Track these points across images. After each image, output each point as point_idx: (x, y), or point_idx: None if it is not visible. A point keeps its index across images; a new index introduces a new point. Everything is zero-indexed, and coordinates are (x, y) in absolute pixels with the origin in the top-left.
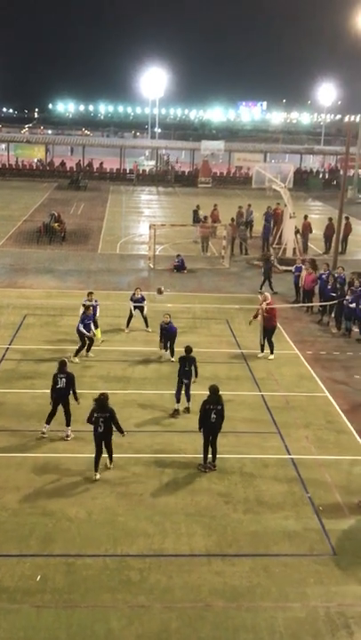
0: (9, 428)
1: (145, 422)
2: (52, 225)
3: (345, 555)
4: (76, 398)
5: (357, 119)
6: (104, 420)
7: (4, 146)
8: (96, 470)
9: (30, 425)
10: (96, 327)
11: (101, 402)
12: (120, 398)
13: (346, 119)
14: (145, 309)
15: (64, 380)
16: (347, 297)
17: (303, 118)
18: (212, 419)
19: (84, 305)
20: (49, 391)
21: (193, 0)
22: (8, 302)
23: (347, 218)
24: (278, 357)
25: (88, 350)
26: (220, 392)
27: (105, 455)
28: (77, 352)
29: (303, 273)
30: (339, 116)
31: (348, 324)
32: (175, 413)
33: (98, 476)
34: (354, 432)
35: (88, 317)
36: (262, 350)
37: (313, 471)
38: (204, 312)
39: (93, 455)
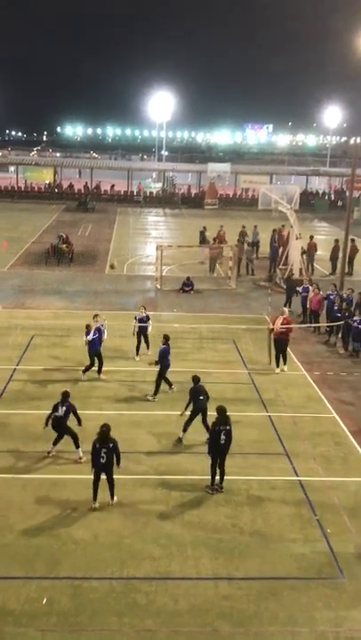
0: (15, 449)
1: (151, 443)
2: (60, 246)
3: (354, 578)
4: (79, 422)
5: None
6: (107, 451)
7: (13, 168)
8: (95, 500)
9: (36, 446)
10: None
11: (104, 433)
12: (126, 419)
13: (351, 141)
14: (149, 329)
15: (64, 409)
16: (355, 317)
17: (309, 140)
18: (221, 440)
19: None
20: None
21: (199, 25)
22: (16, 323)
23: (352, 240)
24: (286, 378)
25: (86, 371)
26: (228, 413)
27: (104, 489)
28: (85, 369)
29: (310, 293)
30: (344, 138)
31: (356, 345)
32: (178, 442)
33: (97, 505)
34: None
35: (87, 333)
36: (278, 365)
37: (321, 493)
38: (211, 332)
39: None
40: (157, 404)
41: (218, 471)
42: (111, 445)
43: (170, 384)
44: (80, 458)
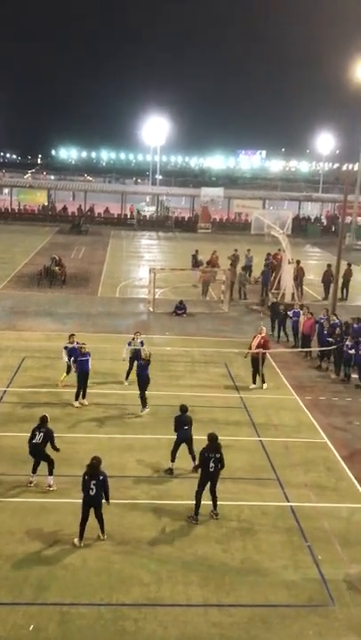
0: (4, 473)
1: (142, 467)
2: (53, 268)
3: (345, 606)
4: (56, 450)
5: (355, 167)
6: (96, 484)
7: (7, 190)
8: (80, 538)
9: (26, 469)
10: (68, 372)
11: (94, 466)
12: (117, 443)
13: (344, 168)
14: (142, 353)
15: (42, 434)
16: (346, 342)
17: (302, 166)
18: (210, 467)
19: (65, 347)
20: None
21: (194, 50)
22: (7, 345)
23: (349, 265)
24: (277, 402)
25: (77, 399)
26: (219, 437)
27: (92, 524)
28: (77, 396)
29: (301, 318)
30: (337, 165)
31: (348, 370)
32: (168, 472)
33: (81, 544)
34: (353, 479)
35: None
36: (254, 382)
37: (312, 519)
38: (203, 356)
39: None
40: (148, 428)
41: (210, 497)
42: (101, 478)
43: None
44: (50, 486)
